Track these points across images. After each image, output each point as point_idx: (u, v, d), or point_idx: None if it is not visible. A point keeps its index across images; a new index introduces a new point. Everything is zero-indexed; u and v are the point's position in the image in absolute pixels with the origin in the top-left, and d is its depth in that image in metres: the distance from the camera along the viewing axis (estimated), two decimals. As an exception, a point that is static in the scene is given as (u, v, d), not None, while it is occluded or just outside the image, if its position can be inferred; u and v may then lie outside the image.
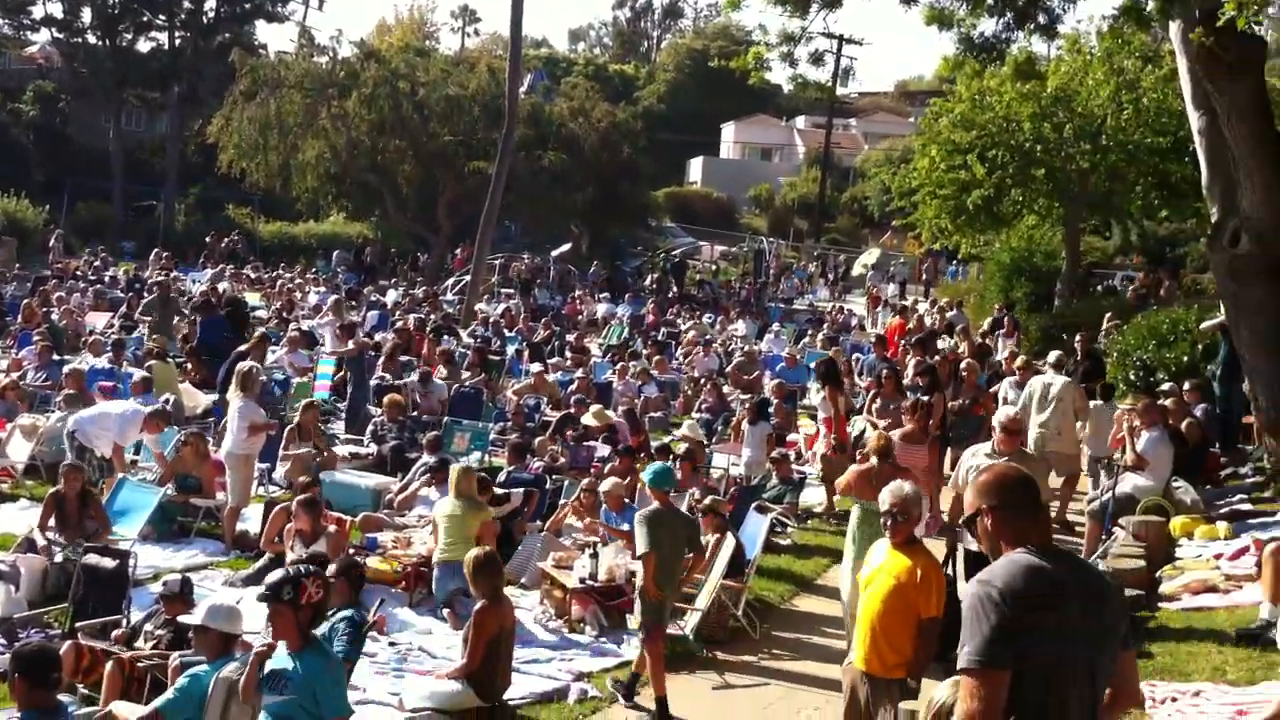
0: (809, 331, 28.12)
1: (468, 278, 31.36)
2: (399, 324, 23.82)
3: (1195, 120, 13.29)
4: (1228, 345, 14.17)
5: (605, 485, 11.43)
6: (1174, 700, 7.37)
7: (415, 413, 17.12)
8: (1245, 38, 11.97)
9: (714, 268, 48.09)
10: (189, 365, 18.45)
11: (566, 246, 42.61)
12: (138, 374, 15.70)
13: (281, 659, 6.28)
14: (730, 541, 10.31)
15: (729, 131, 71.80)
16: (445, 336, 22.84)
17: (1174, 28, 13.12)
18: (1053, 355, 14.82)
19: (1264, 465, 13.32)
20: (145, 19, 51.44)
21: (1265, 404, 12.76)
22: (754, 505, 12.05)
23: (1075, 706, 3.74)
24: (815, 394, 16.82)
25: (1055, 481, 12.82)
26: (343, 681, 6.52)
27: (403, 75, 39.52)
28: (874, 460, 8.97)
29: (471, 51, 54.44)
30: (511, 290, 34.81)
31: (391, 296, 31.47)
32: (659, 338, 26.54)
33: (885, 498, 6.71)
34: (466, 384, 18.67)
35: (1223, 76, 12.13)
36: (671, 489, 9.30)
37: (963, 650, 3.66)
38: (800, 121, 71.54)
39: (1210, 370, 15.42)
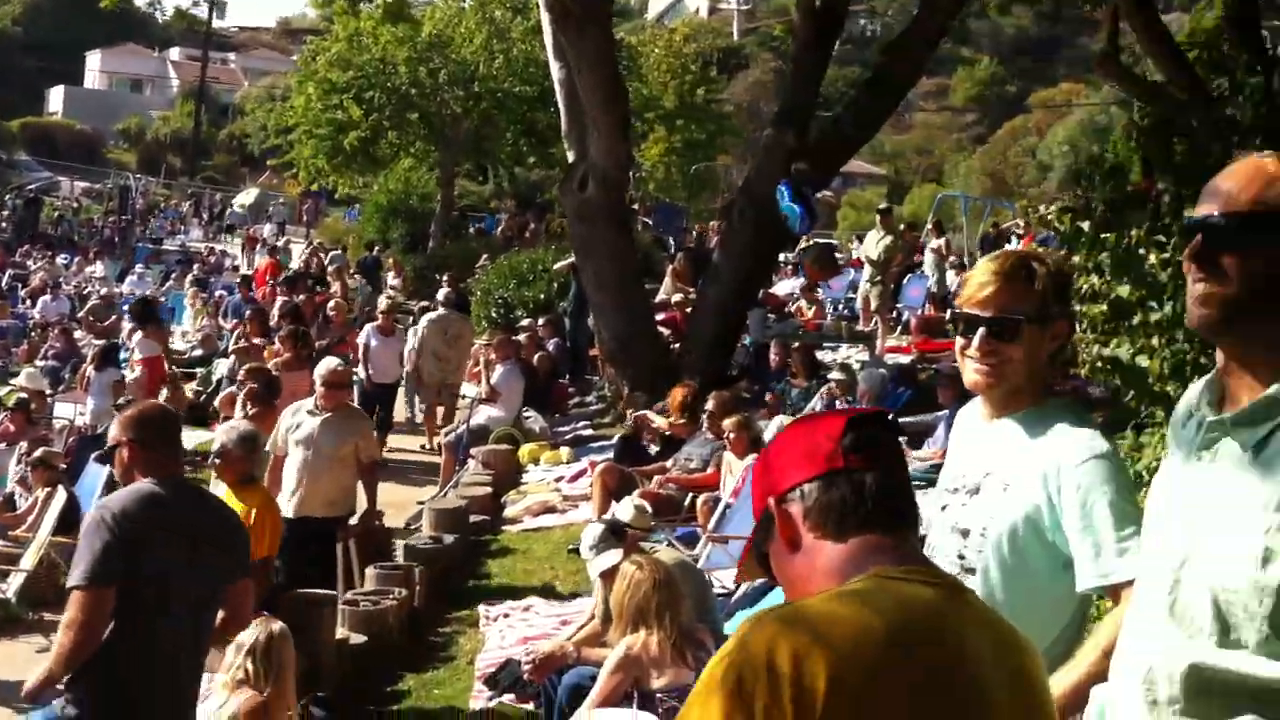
0: (176, 273, 26.64)
1: None
2: None
3: (556, 71, 13.87)
4: (577, 283, 15.06)
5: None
6: (506, 616, 7.66)
7: None
8: (592, -9, 12.69)
9: (75, 205, 44.20)
10: None
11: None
12: None
13: None
14: (61, 495, 9.44)
15: (95, 60, 66.20)
16: None
17: (538, -20, 13.66)
18: (442, 293, 15.35)
19: (605, 394, 14.34)
20: None
21: (607, 337, 13.72)
22: (94, 455, 11.10)
23: (185, 626, 4.05)
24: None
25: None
26: None
27: None
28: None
29: None
30: None
31: None
32: (3, 281, 23.96)
33: (219, 436, 6.46)
34: None
35: (572, 29, 12.75)
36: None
37: (76, 569, 3.87)
38: (174, 53, 67.48)
39: (563, 307, 16.39)
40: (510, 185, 36.53)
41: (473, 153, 29.68)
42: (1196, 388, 2.13)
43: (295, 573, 7.12)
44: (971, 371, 2.59)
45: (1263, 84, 7.25)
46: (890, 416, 1.76)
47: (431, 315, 13.91)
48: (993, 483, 2.60)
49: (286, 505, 7.40)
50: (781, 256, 22.47)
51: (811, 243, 21.03)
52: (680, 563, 5.55)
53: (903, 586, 1.53)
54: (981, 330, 2.55)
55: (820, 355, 13.94)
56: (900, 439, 1.76)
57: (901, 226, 21.53)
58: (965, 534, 2.61)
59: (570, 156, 14.05)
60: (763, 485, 1.72)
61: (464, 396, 13.67)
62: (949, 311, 2.56)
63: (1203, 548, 1.94)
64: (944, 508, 2.71)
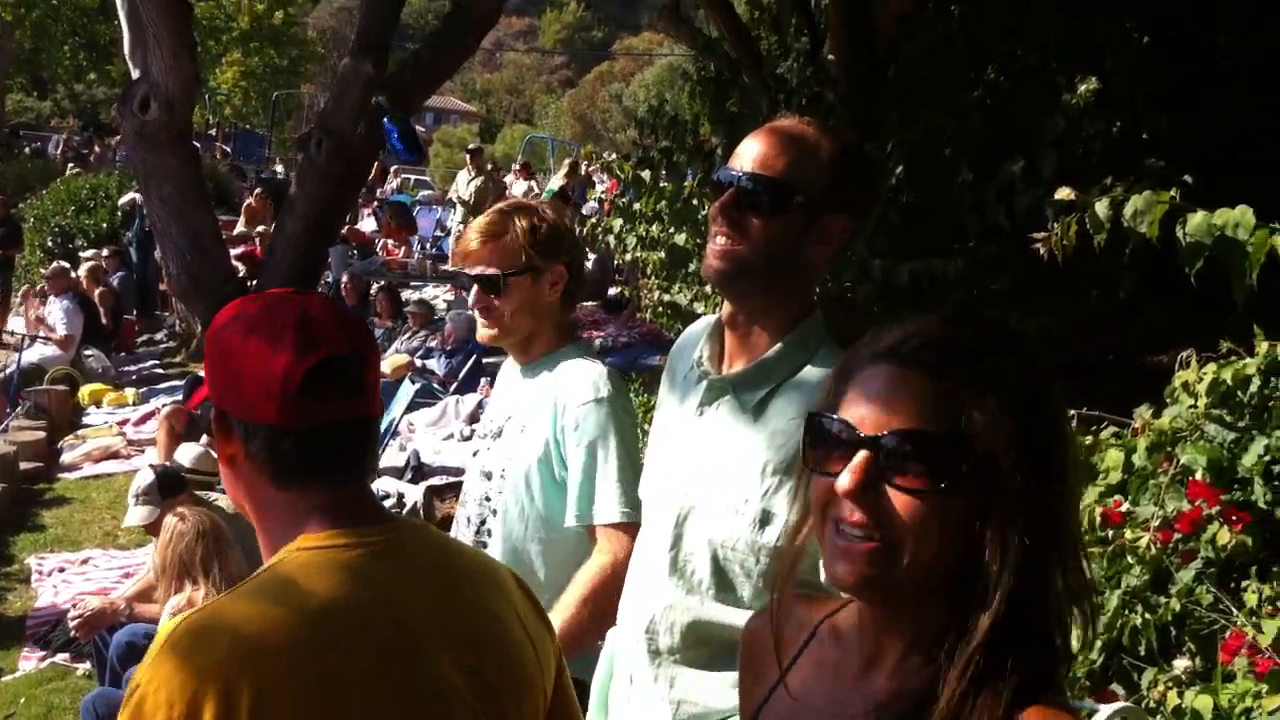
0: None
1: None
2: None
3: (113, -19, 12.96)
4: (143, 212, 14.22)
5: None
6: (62, 570, 7.21)
7: None
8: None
9: None
10: None
11: None
12: None
13: None
14: None
15: None
16: None
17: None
18: None
19: (177, 330, 13.68)
20: None
21: (176, 270, 13.02)
22: None
23: None
24: None
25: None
26: None
27: None
28: None
29: None
30: None
31: None
32: None
33: None
34: None
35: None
36: None
37: None
38: None
39: (128, 237, 15.45)
40: (72, 102, 33.80)
41: (27, 65, 27.20)
42: (698, 333, 2.20)
43: None
44: (481, 327, 2.70)
45: (809, 47, 7.85)
46: (356, 354, 1.54)
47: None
48: (512, 426, 2.69)
49: None
50: (380, 191, 22.18)
51: (389, 200, 20.87)
52: (236, 514, 5.40)
53: (329, 561, 1.46)
54: (475, 288, 2.67)
55: (406, 295, 13.88)
56: (361, 379, 1.55)
57: (490, 167, 21.76)
58: (489, 476, 2.69)
59: (135, 75, 13.17)
60: (215, 377, 1.53)
61: (12, 332, 12.62)
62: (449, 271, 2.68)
63: (704, 505, 2.01)
64: (475, 454, 2.80)
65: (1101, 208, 3.06)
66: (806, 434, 1.24)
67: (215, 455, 4.98)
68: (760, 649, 1.42)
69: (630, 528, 2.51)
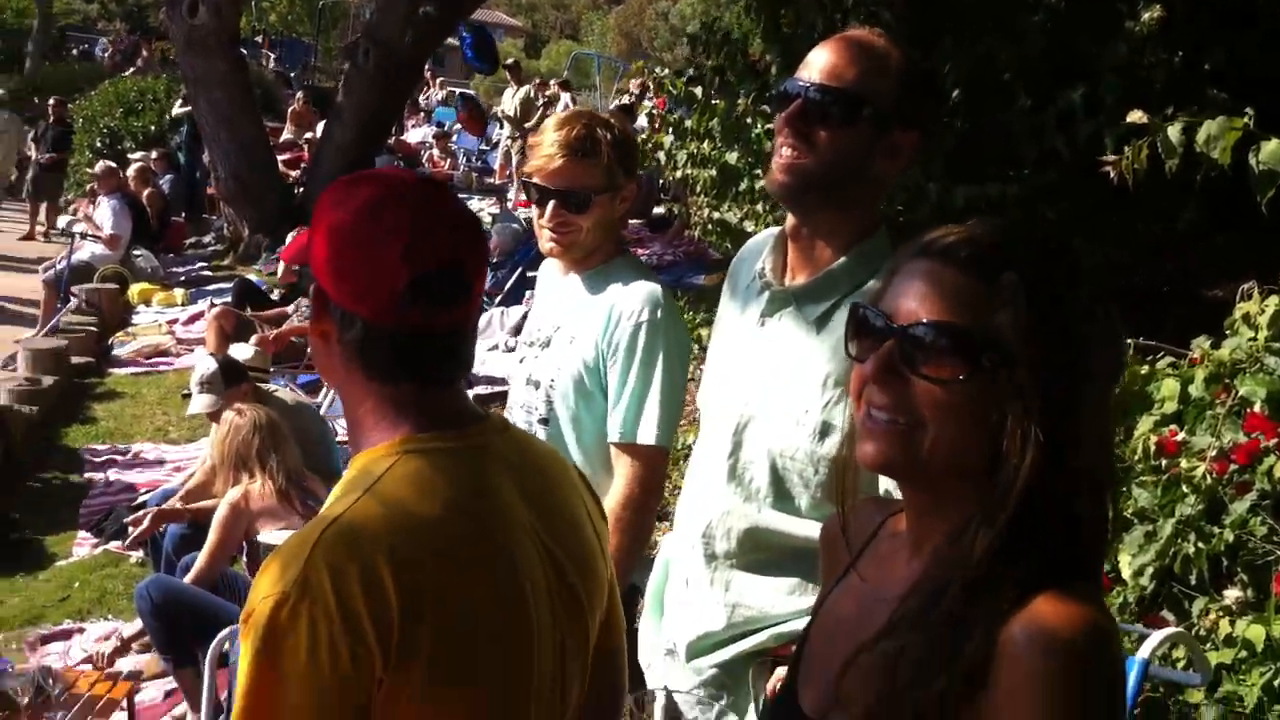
0: None
1: None
2: None
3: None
4: (192, 117, 14.25)
5: None
6: (114, 462, 7.36)
7: None
8: None
9: None
10: None
11: None
12: None
13: None
14: None
15: None
16: None
17: None
18: None
19: (225, 234, 13.77)
20: None
21: (224, 174, 13.11)
22: None
23: None
24: None
25: None
26: None
27: None
28: None
29: None
30: None
31: None
32: None
33: None
34: None
35: None
36: None
37: None
38: None
39: (176, 141, 15.50)
40: (118, 5, 33.66)
41: (75, -35, 27.08)
42: (760, 243, 2.19)
43: None
44: (547, 240, 2.62)
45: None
46: (464, 264, 1.48)
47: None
48: (561, 336, 2.66)
49: None
50: (423, 99, 22.10)
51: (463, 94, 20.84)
52: (296, 405, 5.48)
53: (435, 464, 1.46)
54: (553, 203, 2.57)
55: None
56: (466, 289, 1.49)
57: (537, 81, 21.64)
58: (537, 386, 2.67)
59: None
60: (318, 253, 1.48)
61: (61, 230, 12.75)
62: (522, 179, 2.58)
63: (764, 415, 2.02)
64: (521, 361, 2.77)
65: (1174, 132, 3.04)
66: (849, 324, 1.30)
67: (267, 355, 5.05)
68: (834, 548, 1.47)
69: (663, 453, 2.57)
